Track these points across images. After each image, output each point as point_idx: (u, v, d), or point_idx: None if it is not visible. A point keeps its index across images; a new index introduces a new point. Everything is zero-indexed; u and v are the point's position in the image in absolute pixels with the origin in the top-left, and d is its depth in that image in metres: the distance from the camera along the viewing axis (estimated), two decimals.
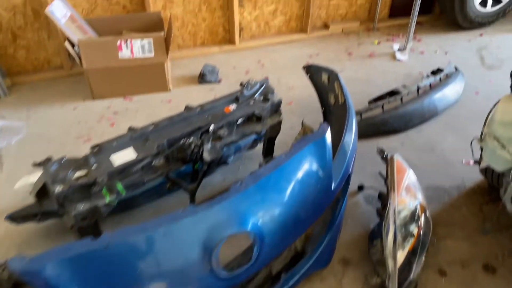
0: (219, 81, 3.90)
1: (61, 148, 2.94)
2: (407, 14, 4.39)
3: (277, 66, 4.25)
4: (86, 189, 1.72)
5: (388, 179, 2.37)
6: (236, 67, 4.21)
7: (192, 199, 2.15)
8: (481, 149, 2.21)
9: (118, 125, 3.21)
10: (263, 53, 4.50)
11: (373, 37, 4.94)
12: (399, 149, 3.13)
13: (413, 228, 2.23)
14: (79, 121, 3.27)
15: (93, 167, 1.77)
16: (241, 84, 2.35)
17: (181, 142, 1.94)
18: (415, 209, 2.28)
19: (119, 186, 1.78)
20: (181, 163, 2.00)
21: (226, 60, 4.34)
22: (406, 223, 2.22)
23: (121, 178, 1.80)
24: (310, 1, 4.56)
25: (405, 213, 2.26)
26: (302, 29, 4.86)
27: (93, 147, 1.86)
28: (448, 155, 3.07)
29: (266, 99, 2.34)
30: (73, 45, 3.24)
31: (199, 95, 3.67)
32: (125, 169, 1.81)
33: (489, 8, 4.89)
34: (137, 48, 3.33)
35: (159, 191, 2.32)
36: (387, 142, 3.20)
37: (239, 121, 2.23)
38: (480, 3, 4.81)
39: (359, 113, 3.28)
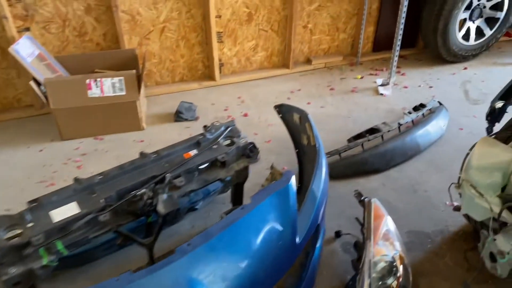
0: (196, 119, 3.78)
1: (20, 194, 2.77)
2: (390, 48, 4.33)
3: (258, 102, 4.15)
4: (20, 250, 1.55)
5: (365, 226, 2.22)
6: (216, 104, 4.10)
7: (151, 255, 1.98)
8: (460, 195, 2.06)
9: (85, 168, 3.05)
10: (244, 89, 4.41)
11: (356, 71, 4.87)
12: (380, 190, 2.98)
13: (391, 281, 2.06)
14: (44, 164, 3.11)
15: (29, 225, 1.60)
16: (204, 127, 2.22)
17: (132, 193, 1.79)
18: (393, 260, 2.11)
19: (59, 245, 1.62)
20: (133, 216, 1.84)
21: (205, 96, 4.23)
22: (383, 276, 2.05)
23: (61, 236, 1.64)
24: (291, 36, 4.51)
25: (382, 265, 2.09)
26: (285, 64, 4.80)
27: (30, 202, 1.70)
28: (432, 196, 2.92)
29: (231, 142, 2.20)
30: (39, 84, 3.12)
31: (174, 134, 3.54)
32: (66, 226, 1.65)
33: (472, 42, 4.86)
34: (107, 86, 3.22)
35: (115, 244, 2.15)
36: (367, 183, 3.06)
37: (201, 167, 2.09)
38: (463, 37, 4.78)
39: (338, 153, 3.15)
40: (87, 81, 3.16)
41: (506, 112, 2.05)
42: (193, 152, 2.06)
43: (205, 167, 2.12)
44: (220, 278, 1.48)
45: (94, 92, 3.21)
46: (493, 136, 2.06)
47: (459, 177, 2.02)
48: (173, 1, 3.85)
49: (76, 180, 1.81)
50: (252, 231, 1.62)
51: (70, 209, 1.68)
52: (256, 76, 4.61)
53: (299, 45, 4.77)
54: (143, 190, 1.81)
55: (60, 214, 1.66)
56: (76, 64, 3.52)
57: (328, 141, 3.52)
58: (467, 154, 2.01)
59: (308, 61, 4.91)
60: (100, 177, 1.84)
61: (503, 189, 1.90)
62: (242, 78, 4.53)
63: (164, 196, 1.86)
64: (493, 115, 2.04)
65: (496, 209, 1.76)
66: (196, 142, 2.13)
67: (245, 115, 3.91)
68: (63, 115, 3.22)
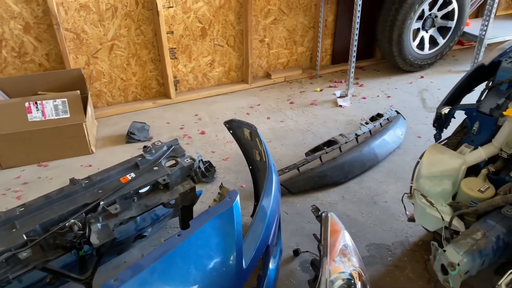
0: (150, 139, 3.64)
1: None
2: (348, 60, 4.32)
3: (216, 119, 4.04)
4: None
5: (322, 243, 2.11)
6: (171, 122, 3.96)
7: None
8: (414, 205, 1.99)
9: (26, 198, 2.85)
10: (201, 106, 4.30)
11: (315, 84, 4.84)
12: (339, 204, 2.90)
13: None
14: None
15: None
16: (143, 148, 2.08)
17: (60, 225, 1.63)
18: (351, 277, 2.01)
19: None
20: (62, 250, 1.68)
21: (160, 115, 4.09)
22: None
23: None
24: (248, 50, 4.44)
25: (339, 283, 1.98)
26: (244, 80, 4.72)
27: None
28: (391, 206, 2.86)
29: (175, 163, 2.07)
30: None
31: (126, 156, 3.30)
32: None
33: (426, 51, 4.91)
34: (49, 109, 3.04)
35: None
36: (326, 196, 2.97)
37: (142, 191, 1.94)
38: (418, 46, 4.83)
39: (296, 167, 3.07)
40: (26, 104, 2.98)
41: (454, 118, 2.01)
42: (131, 175, 1.91)
43: (146, 191, 1.98)
44: None
45: (35, 115, 3.03)
46: (442, 143, 2.01)
47: (411, 187, 1.95)
48: (121, 18, 3.72)
49: None
50: (191, 259, 1.48)
51: None
52: (215, 93, 4.51)
53: (257, 59, 4.70)
54: (72, 221, 1.65)
55: None
56: (16, 87, 3.32)
57: (288, 155, 3.44)
58: (417, 162, 1.94)
59: (267, 75, 4.85)
60: (22, 209, 1.66)
61: (454, 197, 1.85)
62: (199, 95, 4.42)
63: (98, 225, 1.71)
64: (440, 122, 1.99)
65: (448, 218, 1.70)
66: (134, 165, 1.99)
67: (202, 133, 3.79)
68: (1, 142, 3.02)
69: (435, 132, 2.08)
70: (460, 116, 2.09)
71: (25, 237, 1.56)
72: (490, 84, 1.91)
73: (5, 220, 1.61)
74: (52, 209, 1.69)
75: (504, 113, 1.65)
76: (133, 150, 3.48)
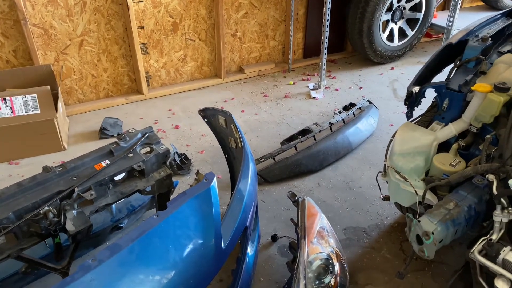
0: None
1: None
2: (320, 53, 4.37)
3: (189, 113, 4.02)
4: None
5: (299, 226, 2.13)
6: (144, 118, 3.92)
7: None
8: (388, 183, 2.04)
9: None
10: (174, 101, 4.26)
11: (288, 78, 4.88)
12: (315, 190, 2.93)
13: (329, 280, 1.98)
14: None
15: None
16: (117, 135, 2.05)
17: (34, 212, 1.59)
18: (329, 258, 2.04)
19: None
20: (37, 238, 1.64)
21: (133, 111, 4.04)
22: (320, 275, 1.97)
23: None
24: (221, 45, 4.43)
25: (317, 263, 2.01)
26: (217, 74, 4.70)
27: None
28: (366, 192, 2.91)
29: (149, 150, 2.05)
30: None
31: None
32: None
33: (396, 42, 5.02)
34: (18, 105, 2.96)
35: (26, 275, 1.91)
36: (302, 184, 3.00)
37: (117, 178, 1.92)
38: (387, 38, 4.93)
39: (271, 156, 3.08)
40: None
41: (425, 97, 2.06)
42: (105, 162, 1.89)
43: (121, 178, 1.95)
44: None
45: (4, 112, 2.94)
46: (414, 121, 2.06)
47: (385, 165, 1.99)
48: (90, 13, 3.65)
49: None
50: (169, 239, 1.48)
51: None
52: (188, 88, 4.48)
53: (230, 54, 4.70)
54: (47, 207, 1.61)
55: None
56: None
57: (263, 146, 3.46)
58: (390, 140, 1.99)
59: (240, 70, 4.85)
60: None
61: (427, 174, 1.89)
62: (172, 90, 4.38)
63: (74, 212, 1.68)
64: (411, 100, 2.04)
65: (421, 192, 1.74)
66: (108, 152, 1.96)
67: (177, 127, 3.77)
68: None
69: (406, 110, 2.13)
70: (430, 97, 2.15)
71: None
72: (458, 62, 1.97)
73: None
74: (25, 196, 1.65)
75: (472, 88, 1.71)
76: None
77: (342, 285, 2.02)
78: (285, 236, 2.50)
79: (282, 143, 3.25)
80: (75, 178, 1.77)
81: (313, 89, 4.50)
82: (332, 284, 1.98)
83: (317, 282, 1.95)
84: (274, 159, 3.09)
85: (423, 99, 2.06)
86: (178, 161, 3.08)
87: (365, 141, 3.48)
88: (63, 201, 1.69)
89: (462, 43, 1.99)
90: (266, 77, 4.89)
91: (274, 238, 2.50)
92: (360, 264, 2.34)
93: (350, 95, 4.37)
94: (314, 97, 4.32)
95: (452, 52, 2.08)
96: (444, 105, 1.91)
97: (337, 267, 2.03)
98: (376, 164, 3.19)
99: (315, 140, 3.27)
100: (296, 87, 4.63)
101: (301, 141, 3.20)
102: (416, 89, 1.97)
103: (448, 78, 1.94)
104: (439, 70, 2.16)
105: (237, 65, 4.84)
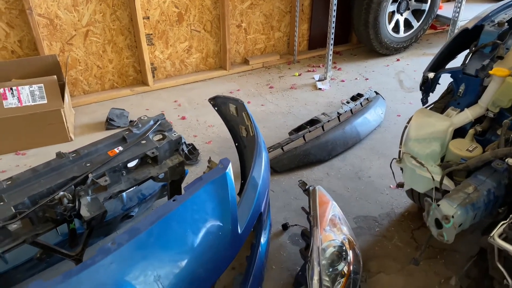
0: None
1: None
2: (325, 45, 4.35)
3: (195, 104, 4.00)
4: None
5: (311, 214, 2.12)
6: (150, 109, 3.90)
7: None
8: (402, 170, 2.02)
9: None
10: (180, 93, 4.24)
11: (294, 69, 4.85)
12: (324, 180, 2.92)
13: (342, 267, 1.97)
14: None
15: None
16: (130, 122, 2.03)
17: (49, 198, 1.58)
18: (342, 245, 2.03)
19: None
20: (52, 223, 1.63)
21: (139, 102, 4.02)
22: (333, 262, 1.96)
23: None
24: (226, 36, 4.41)
25: (330, 250, 2.00)
26: (222, 66, 4.68)
27: None
28: (376, 181, 2.90)
29: (162, 137, 2.03)
30: None
31: None
32: None
33: (402, 34, 5.00)
34: (25, 95, 2.94)
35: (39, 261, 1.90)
36: (311, 174, 2.99)
37: (130, 164, 1.90)
38: (393, 29, 4.90)
39: (280, 146, 3.07)
40: (1, 90, 2.87)
41: (439, 83, 2.05)
42: (118, 149, 1.87)
43: (134, 165, 1.94)
44: (153, 278, 1.31)
45: (11, 102, 2.92)
46: (429, 108, 2.04)
47: (400, 151, 1.98)
48: (96, 3, 3.62)
49: None
50: (187, 223, 1.47)
51: None
52: (193, 79, 4.46)
53: (235, 45, 4.68)
54: (62, 193, 1.60)
55: None
56: None
57: (270, 137, 3.44)
58: (405, 127, 1.97)
59: (245, 61, 4.83)
60: (8, 182, 1.60)
61: (442, 159, 1.88)
62: (177, 81, 4.36)
63: (88, 198, 1.67)
64: (426, 85, 2.02)
65: (438, 178, 1.73)
66: (121, 138, 1.94)
67: (183, 118, 3.75)
68: None
69: (421, 97, 2.12)
70: (444, 83, 2.13)
71: (13, 210, 1.50)
72: (473, 48, 1.95)
73: None
74: (40, 182, 1.64)
75: (490, 72, 1.69)
76: None
77: (355, 272, 2.01)
78: (296, 225, 2.49)
79: (290, 133, 3.23)
80: (88, 164, 1.76)
81: (319, 80, 4.48)
82: (345, 271, 1.98)
83: (330, 269, 1.94)
84: (282, 149, 3.08)
85: (438, 85, 2.04)
86: (186, 151, 3.06)
87: (373, 131, 3.47)
88: (78, 187, 1.67)
89: (478, 28, 1.97)
90: (271, 69, 4.86)
91: (285, 226, 2.49)
92: (372, 252, 2.33)
93: (356, 86, 4.35)
94: (320, 88, 4.30)
95: (465, 39, 2.06)
96: (460, 90, 1.89)
97: (350, 254, 2.03)
98: (385, 154, 3.18)
99: (324, 130, 3.25)
100: (302, 78, 4.61)
101: (310, 131, 3.19)
102: (431, 74, 1.95)
103: (464, 64, 1.93)
104: (452, 56, 2.14)
105: (242, 56, 4.81)
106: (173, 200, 1.45)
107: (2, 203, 1.53)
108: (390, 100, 4.00)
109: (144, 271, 1.30)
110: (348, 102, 3.61)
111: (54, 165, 1.70)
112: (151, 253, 1.34)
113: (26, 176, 1.64)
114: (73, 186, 1.66)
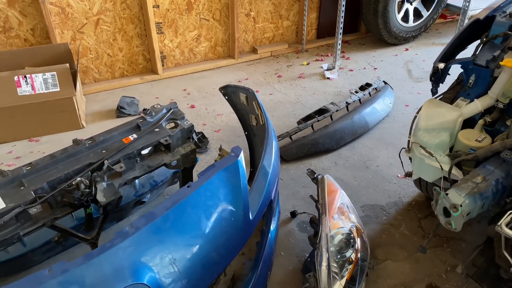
0: (140, 113, 3.60)
1: None
2: (334, 34, 4.35)
3: (204, 93, 4.03)
4: None
5: (319, 202, 2.16)
6: (160, 97, 3.93)
7: None
8: (411, 160, 2.05)
9: None
10: (189, 81, 4.27)
11: (302, 58, 4.86)
12: (332, 169, 2.95)
13: (350, 254, 2.02)
14: None
15: None
16: (143, 110, 2.07)
17: (67, 183, 1.63)
18: (350, 232, 2.07)
19: None
20: (70, 208, 1.68)
21: (148, 90, 4.06)
22: (341, 249, 2.01)
23: None
24: (234, 25, 4.42)
25: (339, 237, 2.04)
26: (230, 55, 4.70)
27: None
28: (383, 170, 2.92)
29: (174, 125, 2.07)
30: None
31: None
32: None
33: (411, 23, 4.98)
34: (39, 83, 2.99)
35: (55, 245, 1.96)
36: (319, 163, 3.02)
37: (144, 152, 1.95)
38: (402, 19, 4.89)
39: (288, 135, 3.10)
40: (16, 78, 2.92)
41: (449, 74, 2.06)
42: (133, 136, 1.91)
43: (148, 152, 1.98)
44: (168, 260, 1.36)
45: (24, 89, 2.97)
46: (438, 98, 2.06)
47: (409, 141, 2.01)
48: None
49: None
50: (201, 209, 1.51)
51: None
52: (201, 68, 4.48)
53: (243, 34, 4.69)
54: (79, 179, 1.65)
55: None
56: (2, 62, 3.21)
57: (279, 126, 3.47)
58: (415, 117, 1.99)
59: (253, 50, 4.84)
60: (28, 167, 1.66)
61: (451, 150, 1.91)
62: (186, 70, 4.39)
63: (104, 184, 1.71)
64: (437, 76, 2.04)
65: (446, 168, 1.75)
66: (135, 126, 1.98)
67: (192, 106, 3.78)
68: None
69: (431, 87, 2.13)
70: (454, 74, 2.14)
71: (33, 194, 1.55)
72: (484, 38, 1.96)
73: (13, 178, 1.61)
74: (58, 168, 1.69)
75: (501, 63, 1.70)
76: None
77: (362, 259, 2.05)
78: (304, 212, 2.53)
79: (299, 122, 3.26)
80: (104, 151, 1.81)
81: (327, 69, 4.48)
82: (353, 258, 2.02)
83: (339, 256, 1.99)
84: (291, 138, 3.11)
85: (447, 76, 2.06)
86: (196, 139, 3.09)
87: (381, 121, 3.49)
88: (94, 173, 1.72)
89: (489, 19, 1.98)
90: (279, 58, 4.88)
91: (293, 214, 2.53)
92: (379, 240, 2.37)
93: (364, 76, 4.36)
94: (328, 78, 4.31)
95: (476, 29, 2.07)
96: (470, 81, 1.91)
97: (358, 241, 2.07)
98: (393, 143, 3.20)
99: (332, 119, 3.28)
100: (310, 67, 4.62)
101: (318, 120, 3.21)
102: (441, 65, 1.97)
103: (474, 54, 1.94)
104: (463, 47, 2.15)
105: (250, 45, 4.83)
106: (188, 187, 1.49)
107: (22, 187, 1.58)
108: (399, 90, 4.00)
109: (160, 254, 1.35)
110: (356, 92, 3.63)
111: (71, 152, 1.75)
112: (167, 237, 1.39)
113: (44, 161, 1.69)
114: (89, 172, 1.71)
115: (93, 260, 1.20)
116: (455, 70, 2.10)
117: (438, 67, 1.98)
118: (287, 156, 3.01)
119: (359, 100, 3.54)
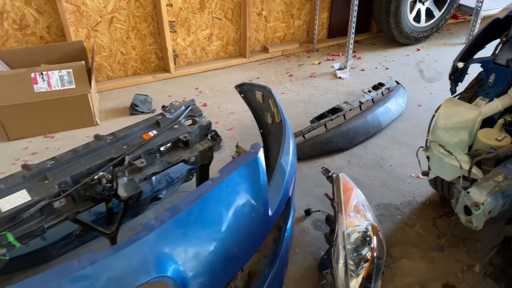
0: (153, 111, 3.63)
1: None
2: (345, 34, 4.35)
3: (216, 92, 4.05)
4: None
5: (335, 200, 2.17)
6: (173, 96, 3.95)
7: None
8: (428, 159, 2.05)
9: None
10: (201, 80, 4.29)
11: (313, 58, 4.86)
12: (345, 168, 2.96)
13: (366, 252, 2.03)
14: None
15: None
16: (162, 107, 2.09)
17: (89, 177, 1.65)
18: (366, 231, 2.08)
19: (10, 237, 1.46)
20: (92, 202, 1.70)
21: (161, 88, 4.08)
22: (357, 247, 2.02)
23: (12, 227, 1.47)
24: (246, 24, 4.43)
25: (355, 235, 2.05)
26: (241, 54, 4.71)
27: None
28: (397, 170, 2.93)
29: (193, 122, 2.09)
30: None
31: None
32: (16, 215, 1.49)
33: (423, 23, 4.97)
34: (55, 80, 3.02)
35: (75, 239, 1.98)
36: (333, 162, 3.03)
37: (162, 148, 1.96)
38: (414, 19, 4.88)
39: (301, 134, 3.11)
40: (32, 74, 2.95)
41: (467, 73, 2.06)
42: (153, 132, 1.93)
43: (166, 148, 2.00)
44: (192, 254, 1.38)
45: (41, 86, 3.00)
46: (457, 97, 2.06)
47: (427, 140, 2.01)
48: None
49: (25, 166, 1.64)
50: (223, 204, 1.53)
51: (19, 197, 1.52)
52: (213, 67, 4.50)
53: (255, 33, 4.70)
54: (101, 173, 1.67)
55: (8, 203, 1.50)
56: (18, 59, 3.26)
57: (291, 125, 3.40)
58: (433, 116, 2.00)
59: (264, 49, 4.85)
60: (52, 162, 1.68)
61: (469, 148, 1.91)
62: (198, 69, 4.41)
63: (125, 179, 1.73)
64: (456, 75, 2.04)
65: (466, 166, 1.75)
66: (155, 122, 2.00)
67: (204, 105, 3.80)
68: (8, 113, 2.99)
69: (450, 86, 2.14)
70: (472, 73, 2.14)
71: (57, 188, 1.58)
72: (504, 38, 1.96)
73: (37, 172, 1.63)
74: (81, 162, 1.71)
75: None
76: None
77: (378, 257, 2.06)
78: (318, 211, 2.54)
79: (312, 121, 3.27)
80: (125, 147, 1.83)
81: (339, 69, 4.49)
82: (369, 256, 2.03)
83: (355, 254, 1.99)
84: (304, 136, 3.11)
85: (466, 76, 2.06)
86: (209, 137, 3.11)
87: (394, 121, 3.49)
88: (115, 168, 1.74)
89: (509, 19, 1.98)
90: (290, 57, 4.88)
91: (308, 212, 2.54)
92: (394, 238, 2.37)
93: (376, 76, 4.36)
94: (340, 77, 4.31)
95: (495, 29, 2.07)
96: (490, 80, 1.91)
97: (374, 239, 2.07)
98: (406, 143, 3.20)
99: (345, 118, 3.28)
100: (321, 67, 4.62)
101: (331, 119, 3.22)
102: (460, 64, 1.97)
103: (494, 54, 1.94)
104: (481, 47, 2.15)
105: (261, 44, 4.84)
106: (210, 182, 1.50)
107: (46, 181, 1.60)
108: (411, 90, 3.99)
109: (184, 247, 1.37)
110: (369, 91, 3.63)
111: (93, 147, 1.78)
112: (191, 230, 1.40)
113: (68, 156, 1.71)
114: (111, 167, 1.73)
115: (121, 251, 1.22)
116: (474, 70, 2.10)
117: (457, 66, 1.98)
118: (300, 154, 3.02)
119: (372, 99, 3.55)
